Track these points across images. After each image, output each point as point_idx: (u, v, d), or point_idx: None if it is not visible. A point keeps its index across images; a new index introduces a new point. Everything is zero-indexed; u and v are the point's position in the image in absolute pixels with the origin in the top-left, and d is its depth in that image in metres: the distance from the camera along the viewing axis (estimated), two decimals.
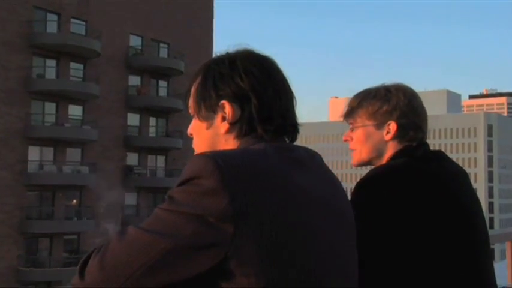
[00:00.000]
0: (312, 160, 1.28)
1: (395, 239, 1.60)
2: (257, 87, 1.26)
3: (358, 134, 1.86)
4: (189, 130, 1.36)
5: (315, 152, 1.34)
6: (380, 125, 1.83)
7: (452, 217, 1.68)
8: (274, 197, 1.12)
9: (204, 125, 1.31)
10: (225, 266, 1.08)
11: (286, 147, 1.25)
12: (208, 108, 1.29)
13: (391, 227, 1.61)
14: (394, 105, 1.82)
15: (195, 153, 1.26)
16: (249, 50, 1.33)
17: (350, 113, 1.88)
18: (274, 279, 1.09)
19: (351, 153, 1.90)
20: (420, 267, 1.60)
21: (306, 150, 1.30)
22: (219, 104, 1.27)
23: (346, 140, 1.90)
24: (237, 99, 1.26)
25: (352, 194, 1.66)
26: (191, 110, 1.34)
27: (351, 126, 1.89)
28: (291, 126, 1.31)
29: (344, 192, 1.34)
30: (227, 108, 1.26)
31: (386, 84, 1.89)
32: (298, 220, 1.14)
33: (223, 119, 1.28)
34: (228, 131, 1.28)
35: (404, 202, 1.63)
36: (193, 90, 1.33)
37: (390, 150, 1.83)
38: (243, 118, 1.26)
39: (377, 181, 1.69)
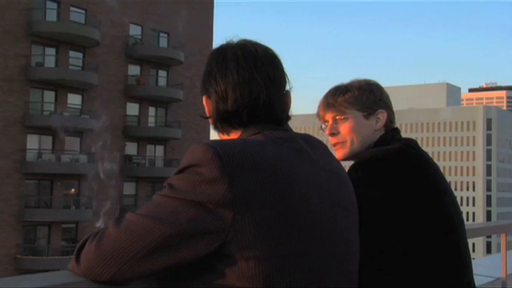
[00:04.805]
0: (312, 149, 1.29)
1: (397, 223, 1.62)
2: (219, 87, 1.28)
3: (348, 125, 1.86)
4: None
5: (318, 140, 1.35)
6: (369, 114, 1.86)
7: (444, 198, 1.74)
8: (272, 184, 1.14)
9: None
10: (224, 250, 1.10)
11: (284, 137, 1.26)
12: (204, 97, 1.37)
13: (395, 210, 1.62)
14: (379, 95, 1.89)
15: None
16: (238, 44, 1.33)
17: (333, 105, 1.87)
18: (273, 262, 1.11)
19: (336, 147, 1.88)
20: (420, 244, 1.63)
21: (305, 139, 1.31)
22: (204, 96, 1.34)
23: (332, 134, 1.87)
24: (214, 94, 1.30)
25: (352, 174, 1.65)
26: None
27: (329, 120, 1.89)
28: (276, 116, 1.30)
29: (346, 180, 1.35)
30: (204, 99, 1.33)
31: (357, 79, 1.93)
32: (296, 206, 1.16)
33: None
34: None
35: (406, 184, 1.66)
36: None
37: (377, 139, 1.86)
38: (215, 111, 1.30)
39: (379, 163, 1.70)
